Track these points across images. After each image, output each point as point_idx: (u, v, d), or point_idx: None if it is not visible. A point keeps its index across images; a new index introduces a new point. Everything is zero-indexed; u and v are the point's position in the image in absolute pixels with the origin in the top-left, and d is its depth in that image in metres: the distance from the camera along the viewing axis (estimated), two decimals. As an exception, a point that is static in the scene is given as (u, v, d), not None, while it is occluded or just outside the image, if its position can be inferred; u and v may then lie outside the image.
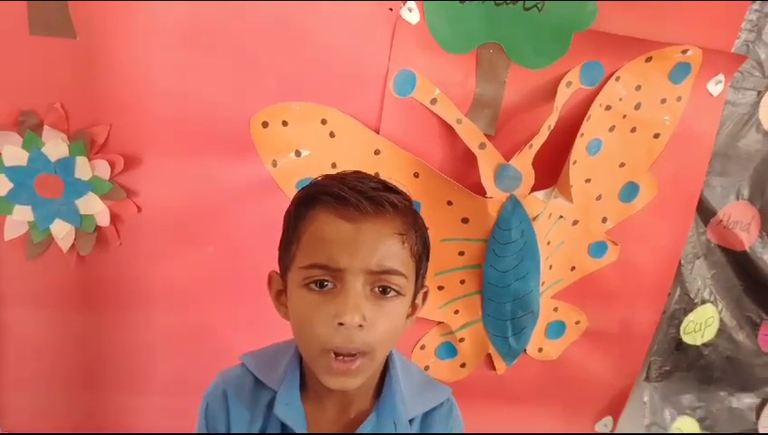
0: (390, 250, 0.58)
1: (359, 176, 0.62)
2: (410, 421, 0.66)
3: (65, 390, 1.08)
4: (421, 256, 0.63)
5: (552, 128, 1.04)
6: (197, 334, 1.06)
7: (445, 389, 0.71)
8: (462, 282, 1.14)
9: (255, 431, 0.66)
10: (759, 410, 1.44)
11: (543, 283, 1.17)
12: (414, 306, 0.66)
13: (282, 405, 0.64)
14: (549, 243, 1.14)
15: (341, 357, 0.57)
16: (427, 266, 0.66)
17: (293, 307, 0.60)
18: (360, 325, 0.56)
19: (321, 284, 0.58)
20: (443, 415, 0.69)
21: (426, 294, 0.68)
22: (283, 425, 0.64)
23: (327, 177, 0.63)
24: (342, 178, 0.61)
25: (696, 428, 1.41)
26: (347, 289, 0.57)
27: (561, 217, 1.13)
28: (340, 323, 0.56)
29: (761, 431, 1.45)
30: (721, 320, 1.33)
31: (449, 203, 1.06)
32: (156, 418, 1.10)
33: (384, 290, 0.58)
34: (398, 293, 0.59)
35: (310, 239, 0.59)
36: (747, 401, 1.43)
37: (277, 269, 0.65)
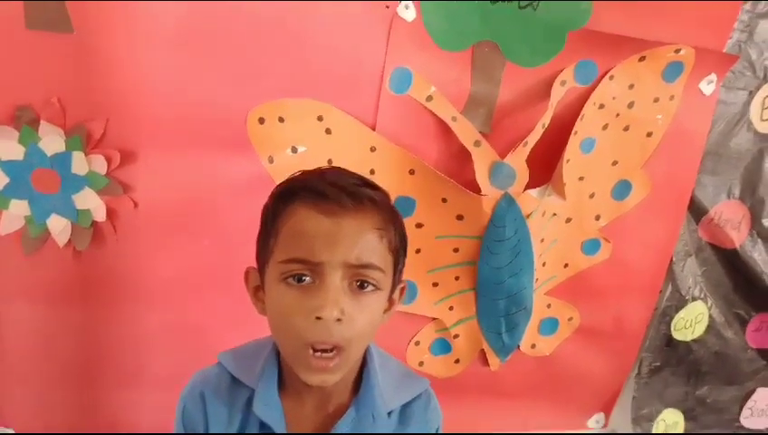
0: (369, 245, 0.59)
1: (337, 171, 0.63)
2: (389, 414, 0.67)
3: (62, 384, 1.08)
4: (399, 251, 0.64)
5: (546, 126, 1.05)
6: (194, 329, 1.06)
7: (422, 380, 0.72)
8: (456, 278, 1.15)
9: (234, 430, 0.66)
10: (742, 402, 1.46)
11: (537, 280, 1.18)
12: (391, 301, 0.66)
13: (260, 403, 0.65)
14: (542, 240, 1.16)
15: (320, 353, 0.58)
16: (404, 262, 0.66)
17: (271, 302, 0.61)
18: (339, 319, 0.57)
19: (299, 278, 0.58)
20: (421, 407, 0.70)
21: (403, 289, 0.68)
22: (262, 423, 0.65)
23: (305, 172, 0.63)
24: (322, 174, 0.62)
25: (680, 419, 1.43)
26: (326, 283, 0.57)
27: (555, 214, 1.14)
28: (318, 318, 0.56)
29: (742, 422, 1.48)
30: (710, 317, 1.34)
31: (444, 200, 1.07)
32: (152, 412, 1.11)
33: (362, 284, 0.59)
34: (376, 287, 0.60)
35: (289, 234, 0.59)
36: (732, 393, 1.45)
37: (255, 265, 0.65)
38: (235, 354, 0.70)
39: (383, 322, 0.65)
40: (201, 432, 0.67)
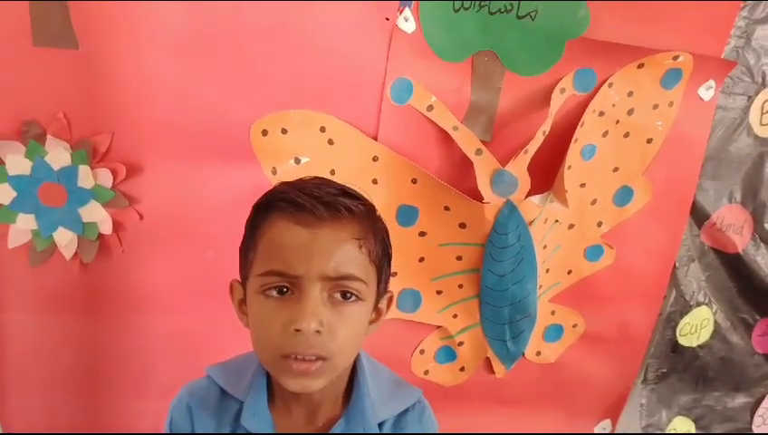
0: (347, 255, 0.58)
1: (316, 182, 0.62)
2: (381, 425, 0.66)
3: (68, 393, 1.09)
4: (381, 260, 0.63)
5: (546, 133, 1.06)
6: (198, 339, 1.06)
7: (414, 390, 0.71)
8: (460, 286, 1.16)
9: None
10: (753, 409, 1.46)
11: (541, 286, 1.18)
12: (378, 311, 0.66)
13: (249, 416, 0.64)
14: (545, 247, 1.16)
15: (301, 356, 0.57)
16: (390, 271, 0.66)
17: (252, 314, 0.61)
18: (318, 331, 0.56)
19: (279, 290, 0.58)
20: (415, 417, 0.69)
21: (390, 299, 0.68)
22: None
23: (284, 183, 0.63)
24: (301, 185, 0.61)
25: (691, 428, 1.42)
26: (304, 296, 0.57)
27: (557, 221, 1.15)
28: (297, 330, 0.56)
29: (754, 430, 1.46)
30: (716, 321, 1.34)
31: (447, 208, 1.08)
32: (157, 420, 1.11)
33: (343, 295, 0.59)
34: (358, 298, 0.59)
35: (267, 246, 0.59)
36: (741, 400, 1.44)
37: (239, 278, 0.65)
38: (223, 368, 0.70)
39: (370, 332, 0.65)
40: None
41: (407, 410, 0.69)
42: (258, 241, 0.60)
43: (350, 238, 0.59)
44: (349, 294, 0.59)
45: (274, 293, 0.58)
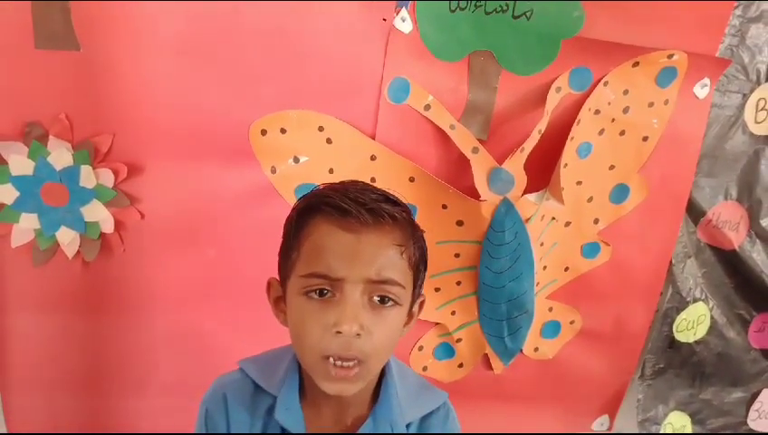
0: (389, 261, 0.59)
1: (360, 187, 0.63)
2: (407, 426, 0.67)
3: (71, 392, 1.10)
4: (419, 266, 0.64)
5: (542, 132, 1.06)
6: (199, 338, 1.08)
7: (441, 393, 0.72)
8: (458, 283, 1.17)
9: None
10: (749, 404, 1.46)
11: (538, 283, 1.19)
12: (411, 315, 0.67)
13: (282, 410, 0.65)
14: (542, 244, 1.17)
15: (340, 363, 0.58)
16: (425, 277, 0.67)
17: (292, 314, 0.62)
18: (358, 334, 0.57)
19: (320, 292, 0.59)
20: (440, 419, 0.70)
21: (422, 303, 0.69)
22: (283, 430, 0.65)
23: (328, 186, 0.63)
24: (344, 189, 0.61)
25: (687, 422, 1.43)
26: (346, 298, 0.58)
27: (554, 218, 1.16)
28: (338, 332, 0.57)
29: (749, 424, 1.47)
30: (712, 317, 1.35)
31: (444, 206, 1.09)
32: (158, 419, 1.12)
33: (382, 300, 0.60)
34: (396, 302, 0.60)
35: (310, 248, 0.60)
36: (737, 395, 1.45)
37: (276, 275, 0.66)
38: (256, 362, 0.70)
39: (402, 335, 0.66)
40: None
41: (431, 413, 0.70)
42: (302, 243, 0.60)
43: (392, 244, 0.60)
44: (387, 299, 0.60)
45: (315, 295, 0.59)
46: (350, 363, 0.58)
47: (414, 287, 0.64)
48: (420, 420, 0.69)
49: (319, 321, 0.58)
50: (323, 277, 0.58)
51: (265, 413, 0.67)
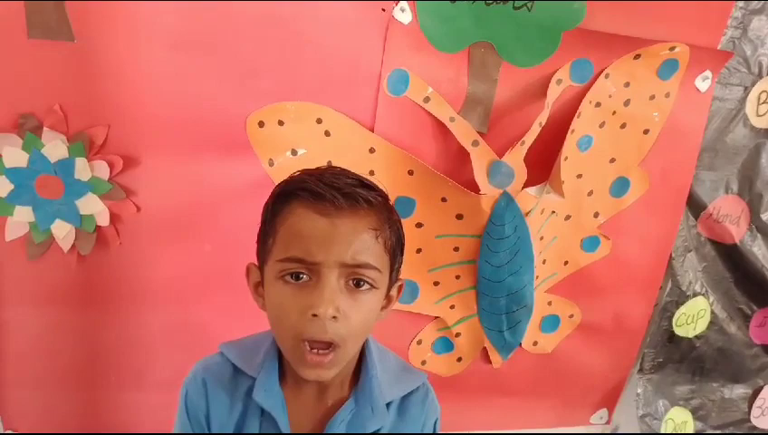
0: (364, 245, 0.60)
1: (335, 172, 0.64)
2: (387, 406, 0.69)
3: (66, 387, 1.09)
4: (395, 250, 0.65)
5: (543, 125, 1.06)
6: (196, 331, 1.07)
7: (420, 374, 0.74)
8: (457, 277, 1.16)
9: (235, 417, 0.68)
10: (750, 400, 1.46)
11: (537, 277, 1.19)
12: (389, 298, 0.68)
13: (261, 391, 0.66)
14: (542, 238, 1.16)
15: (315, 350, 0.59)
16: (402, 261, 0.67)
17: (270, 299, 0.63)
18: (334, 317, 0.58)
19: (296, 276, 0.60)
20: (419, 399, 0.72)
21: (401, 287, 0.70)
22: (263, 411, 0.67)
23: (304, 172, 0.64)
24: (320, 175, 0.62)
25: (688, 418, 1.43)
26: (322, 282, 0.59)
27: (554, 212, 1.15)
28: (315, 315, 0.58)
29: (753, 421, 1.47)
30: (712, 312, 1.35)
31: (443, 200, 1.08)
32: (155, 413, 1.12)
33: (358, 283, 0.60)
34: (372, 286, 0.61)
35: (286, 233, 0.60)
36: (739, 391, 1.45)
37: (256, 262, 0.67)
38: (236, 345, 0.72)
39: (380, 318, 0.67)
40: (202, 418, 0.69)
41: (411, 393, 0.71)
42: (278, 228, 0.61)
43: (368, 229, 0.61)
44: (363, 282, 0.61)
45: (291, 279, 0.60)
46: (326, 350, 0.60)
47: (391, 271, 0.65)
48: (400, 400, 0.71)
49: (295, 304, 0.59)
50: (299, 261, 0.59)
51: (245, 395, 0.68)
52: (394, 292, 0.68)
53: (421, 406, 0.72)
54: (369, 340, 0.70)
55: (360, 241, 0.60)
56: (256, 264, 0.67)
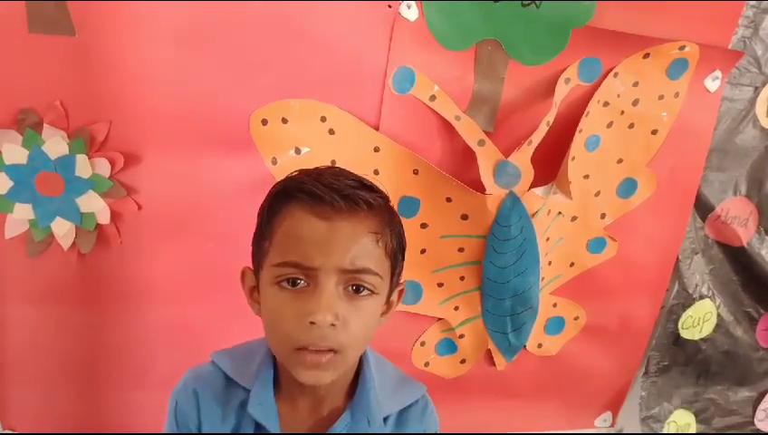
0: (364, 249, 0.58)
1: (334, 172, 0.61)
2: (385, 419, 0.66)
3: (66, 386, 1.08)
4: (396, 254, 0.63)
5: (550, 124, 1.04)
6: (198, 331, 1.06)
7: (419, 386, 0.71)
8: (461, 278, 1.15)
9: (228, 430, 0.65)
10: (755, 403, 1.45)
11: (543, 279, 1.17)
12: (389, 304, 0.65)
13: (255, 404, 0.64)
14: (548, 239, 1.15)
15: (314, 350, 0.57)
16: (403, 265, 0.65)
17: (266, 305, 0.60)
18: (333, 324, 0.56)
19: (293, 282, 0.57)
20: (418, 412, 0.69)
21: (401, 291, 0.67)
22: (257, 424, 0.64)
23: (303, 172, 0.62)
24: (318, 175, 0.60)
25: (692, 421, 1.42)
26: (320, 288, 0.56)
27: (560, 213, 1.14)
28: (312, 323, 0.55)
29: (757, 424, 1.46)
30: (719, 315, 1.33)
31: (449, 200, 1.07)
32: (156, 412, 1.10)
33: (357, 289, 0.58)
34: (372, 292, 0.59)
35: (283, 236, 0.58)
36: (744, 394, 1.44)
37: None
38: (229, 354, 0.69)
39: (380, 324, 0.64)
40: (193, 430, 0.67)
41: (410, 406, 0.69)
42: (274, 231, 0.59)
43: (368, 232, 0.58)
44: (363, 288, 0.58)
45: (288, 285, 0.57)
46: (324, 349, 0.57)
47: (392, 276, 0.63)
48: (398, 413, 0.68)
49: (292, 311, 0.56)
50: (296, 266, 0.57)
51: (239, 407, 0.65)
52: (394, 297, 0.66)
53: (420, 420, 0.69)
54: (368, 350, 0.67)
55: (359, 245, 0.57)
56: (251, 268, 0.64)
